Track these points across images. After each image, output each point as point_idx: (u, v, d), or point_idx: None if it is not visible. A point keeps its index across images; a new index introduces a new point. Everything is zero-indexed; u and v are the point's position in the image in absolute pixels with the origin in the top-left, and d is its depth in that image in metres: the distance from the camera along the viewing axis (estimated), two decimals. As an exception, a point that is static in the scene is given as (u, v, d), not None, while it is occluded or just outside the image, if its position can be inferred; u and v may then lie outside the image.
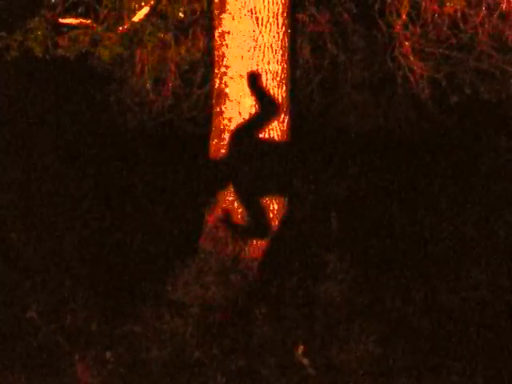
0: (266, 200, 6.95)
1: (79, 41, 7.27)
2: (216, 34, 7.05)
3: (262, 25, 6.84)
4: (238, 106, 6.93)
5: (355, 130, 8.87)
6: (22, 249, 7.04)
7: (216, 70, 7.07)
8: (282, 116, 6.98)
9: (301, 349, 5.74)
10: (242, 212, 6.91)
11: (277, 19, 6.87)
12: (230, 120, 6.96)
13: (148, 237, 7.43)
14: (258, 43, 6.86)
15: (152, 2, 7.25)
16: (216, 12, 7.04)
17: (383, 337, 5.88)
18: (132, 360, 5.69)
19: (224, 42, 6.94)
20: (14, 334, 5.92)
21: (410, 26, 8.09)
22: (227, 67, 6.95)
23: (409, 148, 8.66)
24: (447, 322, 6.16)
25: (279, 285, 6.48)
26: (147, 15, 7.30)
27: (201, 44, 8.49)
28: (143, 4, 7.24)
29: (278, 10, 6.87)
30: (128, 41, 7.49)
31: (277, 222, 6.98)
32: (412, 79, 8.40)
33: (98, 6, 7.44)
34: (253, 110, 6.91)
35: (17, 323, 6.02)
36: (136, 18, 7.28)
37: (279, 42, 6.90)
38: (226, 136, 6.97)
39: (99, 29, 7.28)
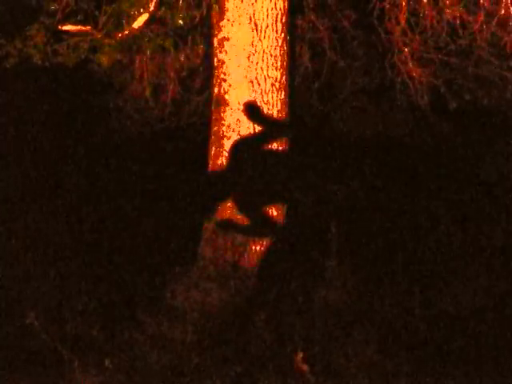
0: (266, 207, 6.95)
1: (78, 48, 7.27)
2: (215, 41, 7.06)
3: (261, 31, 6.85)
4: (237, 113, 6.94)
5: (354, 136, 8.87)
6: (22, 255, 7.04)
7: (215, 77, 7.08)
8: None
9: (300, 355, 5.73)
10: (241, 218, 6.92)
11: (276, 26, 6.88)
12: (229, 126, 6.96)
13: (148, 243, 7.43)
14: (257, 50, 6.87)
15: (151, 9, 7.24)
16: (215, 19, 7.06)
17: (382, 343, 5.88)
18: (131, 366, 5.69)
19: (223, 49, 6.96)
20: (13, 340, 5.91)
21: (409, 33, 8.09)
22: (226, 74, 6.96)
23: (408, 154, 8.66)
24: (446, 328, 6.16)
25: (278, 291, 6.48)
26: (146, 22, 7.29)
27: (200, 51, 8.51)
28: (142, 11, 7.24)
29: (277, 16, 6.88)
30: (127, 47, 7.49)
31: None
32: (411, 85, 8.40)
33: (97, 13, 7.44)
34: (252, 117, 6.92)
35: (17, 329, 6.02)
36: (135, 25, 7.28)
37: (278, 49, 6.92)
38: (226, 142, 6.98)
39: (98, 36, 7.28)
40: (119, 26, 7.32)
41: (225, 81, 6.97)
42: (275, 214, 6.99)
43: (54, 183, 8.09)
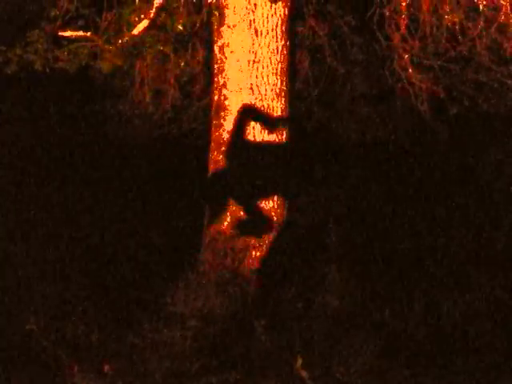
0: (266, 212, 6.96)
1: (79, 54, 7.29)
2: (215, 47, 7.08)
3: (261, 38, 6.87)
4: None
5: (354, 142, 8.87)
6: (21, 260, 7.04)
7: (215, 83, 7.10)
8: (281, 128, 7.01)
9: (300, 361, 5.73)
10: (242, 222, 6.93)
11: (276, 32, 6.90)
12: (229, 132, 6.97)
13: (148, 249, 7.43)
14: (257, 56, 6.89)
15: (152, 15, 7.26)
16: (215, 25, 7.07)
17: (383, 349, 5.87)
18: (131, 372, 5.68)
19: (223, 55, 6.97)
20: (13, 345, 5.91)
21: (409, 39, 8.11)
22: (226, 80, 6.97)
23: (408, 160, 8.67)
24: (447, 334, 6.15)
25: (278, 297, 6.48)
26: (147, 28, 7.31)
27: (200, 56, 8.53)
28: (143, 17, 7.26)
29: (277, 22, 6.90)
30: (128, 53, 7.50)
31: (276, 234, 6.98)
32: (411, 91, 8.42)
33: (97, 19, 7.46)
34: (252, 123, 6.93)
35: (16, 335, 6.01)
36: (136, 31, 7.29)
37: (278, 55, 6.93)
38: (226, 148, 6.99)
39: (99, 42, 7.29)
40: (120, 32, 7.34)
41: (225, 87, 6.98)
42: (274, 218, 6.99)
43: (54, 188, 8.10)
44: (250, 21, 6.86)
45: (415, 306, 6.41)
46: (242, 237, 6.89)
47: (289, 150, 7.09)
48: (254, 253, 6.93)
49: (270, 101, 6.95)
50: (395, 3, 7.90)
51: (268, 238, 6.97)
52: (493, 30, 7.75)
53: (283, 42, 6.97)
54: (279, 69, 6.96)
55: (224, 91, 6.99)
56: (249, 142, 6.94)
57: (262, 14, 6.86)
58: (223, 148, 7.00)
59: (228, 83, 6.97)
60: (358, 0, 8.38)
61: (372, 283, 6.67)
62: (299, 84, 8.61)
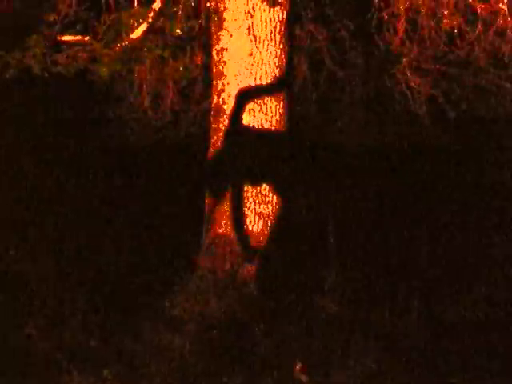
0: (264, 216, 6.96)
1: (77, 58, 7.30)
2: (214, 51, 7.08)
3: (259, 42, 6.86)
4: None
5: (353, 146, 8.88)
6: (19, 265, 7.04)
7: (214, 87, 7.10)
8: (280, 133, 7.01)
9: (299, 365, 5.73)
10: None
11: (274, 36, 6.89)
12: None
13: (147, 253, 7.43)
14: (256, 60, 6.88)
15: (150, 20, 7.27)
16: (214, 29, 7.07)
17: (382, 353, 5.87)
18: (130, 376, 5.68)
19: (222, 59, 6.97)
20: (12, 350, 5.90)
21: (408, 43, 8.12)
22: (225, 84, 6.97)
23: (406, 164, 8.68)
24: (446, 338, 6.15)
25: (277, 301, 6.48)
26: (145, 32, 7.32)
27: (199, 61, 8.52)
28: (141, 21, 7.27)
29: (276, 27, 6.90)
30: (126, 58, 7.51)
31: (274, 239, 6.98)
32: (409, 95, 8.43)
33: (96, 24, 7.46)
34: (250, 127, 6.93)
35: (15, 340, 6.01)
36: (134, 36, 7.31)
37: (277, 59, 6.93)
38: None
39: (98, 46, 7.30)
40: (118, 37, 7.35)
41: (223, 91, 6.98)
42: (273, 221, 7.00)
43: (52, 192, 8.10)
44: (249, 25, 6.86)
45: (414, 311, 6.40)
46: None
47: (287, 155, 7.09)
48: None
49: (268, 105, 6.95)
50: (394, 7, 7.91)
51: (267, 242, 6.97)
52: (491, 33, 7.76)
53: (281, 47, 6.96)
54: (277, 73, 6.96)
55: (223, 95, 6.99)
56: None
57: (261, 18, 6.86)
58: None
59: (226, 87, 6.97)
60: (357, 4, 8.40)
61: (371, 288, 6.67)
62: (297, 88, 8.61)
